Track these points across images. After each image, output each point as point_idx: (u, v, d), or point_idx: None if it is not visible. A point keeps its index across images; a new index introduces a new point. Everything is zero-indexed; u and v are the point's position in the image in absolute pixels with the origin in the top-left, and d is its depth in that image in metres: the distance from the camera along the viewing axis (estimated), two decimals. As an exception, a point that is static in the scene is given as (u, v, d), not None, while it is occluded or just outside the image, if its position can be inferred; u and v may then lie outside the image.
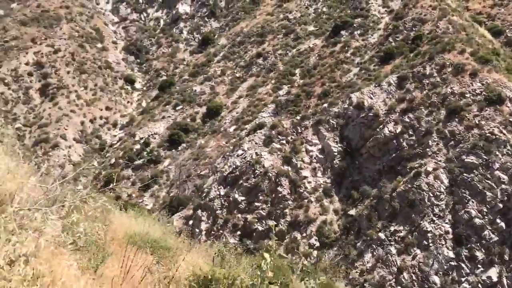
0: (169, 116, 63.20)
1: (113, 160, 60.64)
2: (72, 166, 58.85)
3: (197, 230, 34.58)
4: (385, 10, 58.56)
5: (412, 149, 32.29)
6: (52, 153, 60.62)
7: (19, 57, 72.08)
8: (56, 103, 67.06)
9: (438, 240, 27.35)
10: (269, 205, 34.22)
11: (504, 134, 29.75)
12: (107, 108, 70.81)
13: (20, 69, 70.66)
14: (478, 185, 28.02)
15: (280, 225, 32.54)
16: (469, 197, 28.02)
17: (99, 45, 78.80)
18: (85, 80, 71.65)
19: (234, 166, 37.86)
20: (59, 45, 74.15)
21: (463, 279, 25.91)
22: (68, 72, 71.44)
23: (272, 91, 54.06)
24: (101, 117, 69.24)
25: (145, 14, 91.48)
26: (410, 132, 33.27)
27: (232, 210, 35.25)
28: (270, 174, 35.56)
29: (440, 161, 30.46)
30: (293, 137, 39.22)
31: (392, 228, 29.11)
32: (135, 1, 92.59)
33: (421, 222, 28.36)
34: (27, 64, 71.56)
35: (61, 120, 65.04)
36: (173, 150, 56.44)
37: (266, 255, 3.55)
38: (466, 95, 33.09)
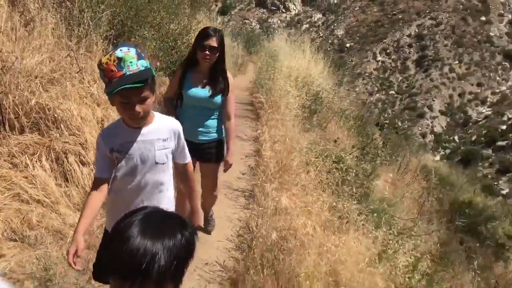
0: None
1: (474, 137, 59.69)
2: (432, 136, 61.65)
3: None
4: None
5: None
6: (416, 121, 64.86)
7: (402, 29, 78.69)
8: (429, 74, 70.48)
9: None
10: None
11: None
12: (479, 84, 69.03)
13: (402, 41, 77.35)
14: None
15: None
16: None
17: (483, 18, 76.10)
18: (461, 54, 71.59)
19: None
20: (441, 18, 76.22)
21: None
22: (446, 45, 73.06)
23: None
24: (470, 92, 68.36)
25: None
26: None
27: None
28: None
29: None
30: None
31: None
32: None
33: None
34: (408, 36, 77.46)
35: (431, 91, 68.21)
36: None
37: None
38: None
